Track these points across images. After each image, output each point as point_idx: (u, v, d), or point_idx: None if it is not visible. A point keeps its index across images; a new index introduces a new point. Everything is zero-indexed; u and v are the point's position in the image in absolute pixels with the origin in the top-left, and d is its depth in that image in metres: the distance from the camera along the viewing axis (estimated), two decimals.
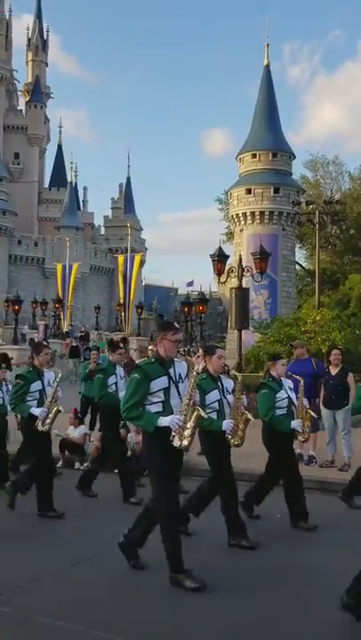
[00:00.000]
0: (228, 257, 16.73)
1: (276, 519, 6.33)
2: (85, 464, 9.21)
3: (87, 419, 10.95)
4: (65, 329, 38.53)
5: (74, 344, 25.38)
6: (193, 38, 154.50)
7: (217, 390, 5.63)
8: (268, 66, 38.96)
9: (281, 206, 36.57)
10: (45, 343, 10.08)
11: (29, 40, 78.80)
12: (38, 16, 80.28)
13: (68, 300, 46.49)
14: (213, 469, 5.70)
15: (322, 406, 8.97)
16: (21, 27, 79.72)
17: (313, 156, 46.16)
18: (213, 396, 5.58)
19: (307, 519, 6.11)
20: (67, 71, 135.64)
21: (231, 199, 38.94)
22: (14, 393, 6.87)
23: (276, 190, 36.83)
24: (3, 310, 49.83)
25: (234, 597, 4.37)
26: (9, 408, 7.75)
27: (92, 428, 10.59)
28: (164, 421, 4.45)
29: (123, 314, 44.18)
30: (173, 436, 4.44)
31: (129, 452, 9.19)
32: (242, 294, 15.31)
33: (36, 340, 18.74)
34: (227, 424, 5.47)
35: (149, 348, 13.73)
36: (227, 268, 16.14)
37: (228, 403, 5.69)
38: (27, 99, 76.72)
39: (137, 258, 44.19)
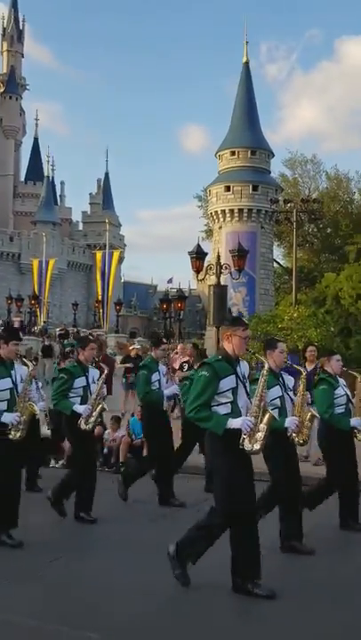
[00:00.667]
0: (206, 254, 16.74)
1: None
2: (61, 461, 9.16)
3: None
4: (39, 326, 38.01)
5: (46, 343, 24.63)
6: (171, 34, 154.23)
7: (278, 386, 5.26)
8: (247, 63, 39.06)
9: (259, 204, 36.74)
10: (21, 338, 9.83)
11: (4, 30, 77.22)
12: (14, 5, 78.82)
13: (45, 297, 46.20)
14: (274, 472, 5.27)
15: None
16: None
17: (292, 154, 46.38)
18: (275, 392, 5.20)
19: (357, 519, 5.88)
20: (42, 63, 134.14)
21: (210, 196, 38.97)
22: (57, 388, 6.39)
23: (255, 188, 36.98)
24: None
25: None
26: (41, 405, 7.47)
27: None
28: (234, 423, 4.16)
29: (101, 311, 44.03)
30: (244, 439, 4.19)
31: (105, 449, 9.18)
32: (220, 291, 15.33)
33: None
34: (291, 421, 5.12)
35: (180, 347, 13.35)
36: (205, 265, 16.16)
37: (291, 399, 5.39)
38: (1, 90, 75.22)
39: (115, 254, 44.10)
